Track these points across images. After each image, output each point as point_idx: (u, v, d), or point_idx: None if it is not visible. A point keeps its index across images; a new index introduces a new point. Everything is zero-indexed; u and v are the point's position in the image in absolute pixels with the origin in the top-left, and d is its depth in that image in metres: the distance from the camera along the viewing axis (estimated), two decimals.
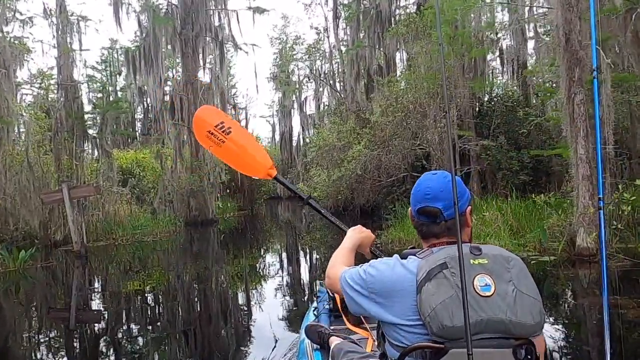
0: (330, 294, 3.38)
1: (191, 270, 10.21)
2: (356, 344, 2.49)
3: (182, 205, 18.50)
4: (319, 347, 2.81)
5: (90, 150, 15.51)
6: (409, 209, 1.61)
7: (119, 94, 33.76)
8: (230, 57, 42.35)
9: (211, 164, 18.69)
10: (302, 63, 40.01)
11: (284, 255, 12.68)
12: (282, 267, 10.30)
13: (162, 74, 19.28)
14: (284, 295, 7.35)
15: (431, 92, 13.02)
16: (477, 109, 15.10)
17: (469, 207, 1.57)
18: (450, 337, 1.32)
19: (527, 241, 8.23)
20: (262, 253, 13.13)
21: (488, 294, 1.33)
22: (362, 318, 2.93)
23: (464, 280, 1.28)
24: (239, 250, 13.60)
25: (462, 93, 13.24)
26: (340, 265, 1.76)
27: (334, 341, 2.53)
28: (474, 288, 1.33)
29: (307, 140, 38.52)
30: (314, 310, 3.53)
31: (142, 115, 40.56)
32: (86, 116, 17.66)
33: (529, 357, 1.38)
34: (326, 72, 25.84)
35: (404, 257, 1.51)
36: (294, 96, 39.64)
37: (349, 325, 3.00)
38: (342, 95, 22.46)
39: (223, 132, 2.45)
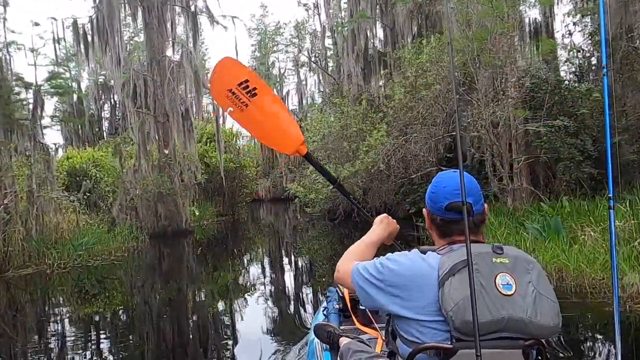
0: (340, 294, 3.22)
1: (161, 295, 7.90)
2: (365, 343, 2.29)
3: (148, 213, 14.36)
4: (328, 347, 2.68)
5: (20, 143, 11.18)
6: (425, 208, 1.55)
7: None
8: (205, 49, 38.20)
9: (184, 162, 14.60)
10: (283, 55, 36.24)
11: (272, 268, 10.07)
12: (272, 282, 8.44)
13: (122, 51, 15.09)
14: (275, 316, 6.23)
15: (479, 57, 9.34)
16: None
17: (485, 204, 1.51)
18: (471, 333, 1.24)
19: None
20: (246, 266, 10.56)
21: (509, 292, 1.29)
22: (372, 318, 2.75)
23: (472, 278, 1.25)
24: (220, 264, 10.94)
25: (517, 58, 9.63)
26: (353, 260, 1.65)
27: (344, 341, 2.36)
28: (496, 286, 1.29)
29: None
30: (323, 310, 3.39)
31: (109, 112, 36.57)
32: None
33: (539, 357, 1.35)
34: (317, 54, 22.04)
35: (423, 252, 1.45)
36: (275, 90, 35.70)
37: (358, 325, 2.83)
38: (337, 80, 18.64)
39: (247, 93, 2.05)
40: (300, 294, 7.55)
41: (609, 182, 1.63)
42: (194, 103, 15.74)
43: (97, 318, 6.71)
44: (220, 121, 28.53)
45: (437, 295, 1.32)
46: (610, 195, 1.63)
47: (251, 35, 36.83)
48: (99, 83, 33.76)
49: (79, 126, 38.36)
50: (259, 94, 2.09)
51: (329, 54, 21.38)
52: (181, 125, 13.89)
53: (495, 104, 9.08)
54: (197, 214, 15.93)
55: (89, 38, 15.01)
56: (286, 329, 5.49)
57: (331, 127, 12.29)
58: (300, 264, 10.80)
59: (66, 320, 6.70)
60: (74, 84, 39.55)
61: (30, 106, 11.33)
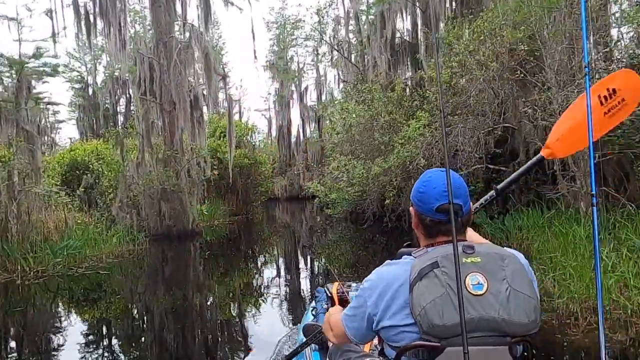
0: (328, 294, 3.16)
1: (163, 304, 6.70)
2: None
3: (152, 211, 12.64)
4: (317, 347, 2.69)
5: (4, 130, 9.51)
6: (412, 208, 1.50)
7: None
8: (222, 43, 36.55)
9: (192, 155, 12.84)
10: (302, 49, 34.42)
11: (288, 276, 8.71)
12: (286, 293, 7.13)
13: (127, 32, 13.40)
14: (290, 327, 4.95)
15: (551, 22, 7.34)
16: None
17: (471, 203, 1.47)
18: (440, 336, 1.25)
19: None
20: (259, 273, 9.05)
21: (480, 292, 1.26)
22: None
23: (459, 278, 1.23)
24: (230, 270, 9.47)
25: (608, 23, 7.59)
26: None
27: None
28: (466, 287, 1.26)
29: (309, 132, 32.96)
30: (312, 310, 3.38)
31: (125, 107, 35.45)
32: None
33: (525, 354, 1.33)
34: (340, 42, 20.11)
35: (398, 257, 1.45)
36: (293, 85, 33.89)
37: None
38: (362, 69, 16.71)
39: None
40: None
41: (591, 179, 1.58)
42: (208, 92, 13.93)
43: (70, 345, 4.98)
44: (234, 113, 26.89)
45: (409, 299, 1.30)
46: (593, 192, 1.58)
47: (269, 29, 35.06)
48: (114, 76, 32.49)
49: (94, 120, 37.18)
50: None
51: (352, 42, 19.43)
52: (189, 115, 12.12)
53: (571, 85, 7.08)
54: (205, 213, 14.15)
55: (91, 18, 13.38)
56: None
57: (358, 117, 10.35)
58: (317, 270, 9.20)
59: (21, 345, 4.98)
60: (89, 78, 38.40)
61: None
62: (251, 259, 11.14)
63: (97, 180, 14.56)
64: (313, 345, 2.67)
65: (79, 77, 37.67)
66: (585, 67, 1.67)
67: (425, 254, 1.35)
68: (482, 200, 1.87)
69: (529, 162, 1.88)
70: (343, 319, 1.54)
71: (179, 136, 12.46)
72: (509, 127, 9.40)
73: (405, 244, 1.54)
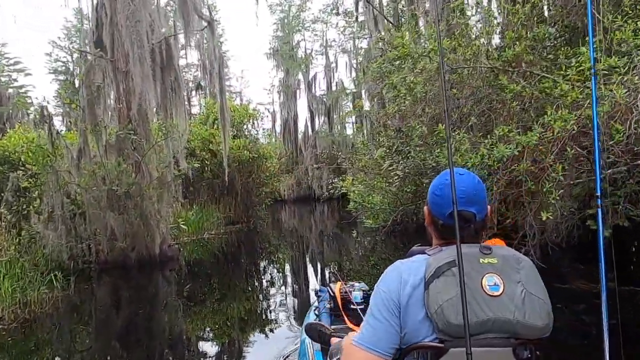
0: (331, 293, 2.98)
1: None
2: None
3: (101, 227, 7.71)
4: (320, 347, 2.50)
5: None
6: (425, 207, 1.38)
7: None
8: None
9: (158, 137, 7.91)
10: (309, 33, 29.49)
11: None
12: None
13: None
14: None
15: None
16: None
17: (489, 207, 1.34)
18: (455, 335, 1.15)
19: None
20: (267, 321, 5.42)
21: (496, 293, 1.17)
22: (363, 316, 2.28)
23: (462, 280, 1.14)
24: (222, 311, 5.91)
25: None
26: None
27: (334, 341, 2.23)
28: (482, 287, 1.17)
29: (319, 125, 28.05)
30: (314, 310, 3.18)
31: None
32: None
33: (529, 356, 1.21)
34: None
35: (409, 256, 1.32)
36: (300, 74, 29.00)
37: (349, 324, 2.66)
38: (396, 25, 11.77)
39: None
40: None
41: (596, 181, 1.59)
42: (186, 43, 8.96)
43: None
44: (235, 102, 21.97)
45: (423, 296, 1.19)
46: (598, 194, 1.56)
47: (273, 12, 30.16)
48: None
49: (81, 111, 32.11)
50: None
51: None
52: (149, 70, 7.19)
53: None
54: (183, 226, 9.22)
55: None
56: None
57: (452, 56, 5.27)
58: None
59: None
60: (77, 69, 33.73)
61: None
62: (253, 296, 6.81)
63: (32, 181, 9.69)
64: (316, 345, 2.50)
65: (64, 67, 32.99)
66: (591, 67, 1.64)
67: (440, 252, 1.25)
68: None
69: None
70: (358, 342, 1.24)
71: (137, 106, 7.48)
72: None
73: (417, 244, 1.37)
